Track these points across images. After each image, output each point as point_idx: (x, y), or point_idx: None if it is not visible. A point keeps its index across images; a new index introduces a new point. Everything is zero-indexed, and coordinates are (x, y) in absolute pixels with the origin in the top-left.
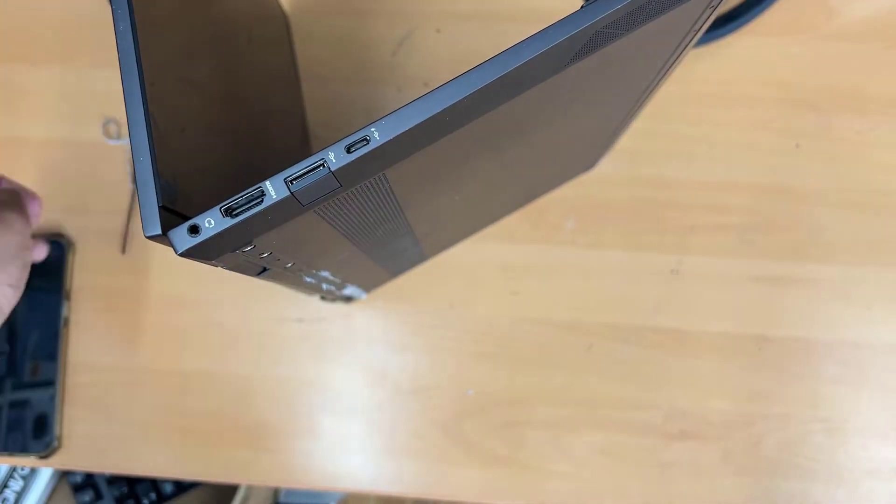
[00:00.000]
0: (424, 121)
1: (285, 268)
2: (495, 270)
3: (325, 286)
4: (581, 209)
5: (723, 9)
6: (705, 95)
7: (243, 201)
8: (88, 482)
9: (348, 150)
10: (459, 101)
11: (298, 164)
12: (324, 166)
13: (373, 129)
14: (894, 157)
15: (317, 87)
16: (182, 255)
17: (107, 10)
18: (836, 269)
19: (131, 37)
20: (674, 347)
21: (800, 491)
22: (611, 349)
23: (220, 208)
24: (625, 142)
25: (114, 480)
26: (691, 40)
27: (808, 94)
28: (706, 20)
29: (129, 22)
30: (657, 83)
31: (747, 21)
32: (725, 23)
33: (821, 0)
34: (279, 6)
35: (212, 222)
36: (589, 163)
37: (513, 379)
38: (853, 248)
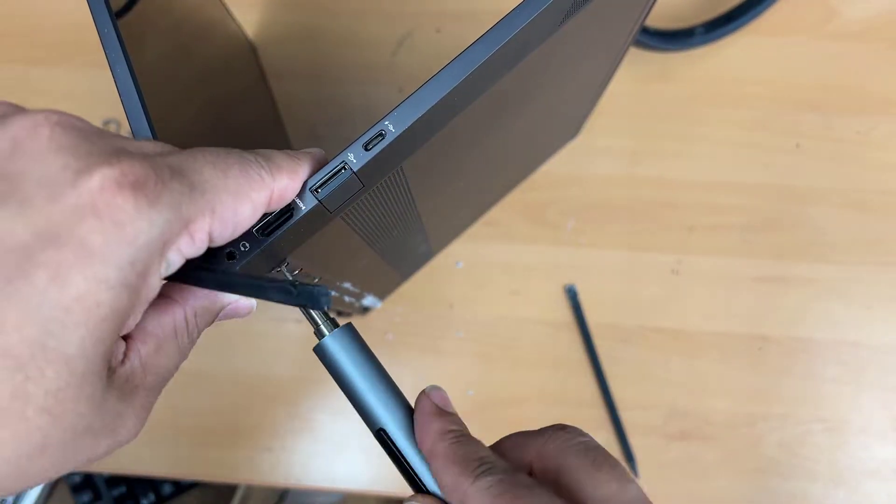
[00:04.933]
0: (435, 104)
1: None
2: (495, 270)
3: (346, 298)
4: (581, 209)
5: (723, 9)
6: (705, 95)
7: (273, 218)
8: (87, 482)
9: (366, 148)
10: (466, 78)
11: (320, 170)
12: (346, 168)
13: (387, 123)
14: (894, 157)
15: (318, 87)
16: None
17: None
18: (836, 269)
19: (131, 80)
20: (674, 347)
21: (800, 491)
22: (611, 349)
23: (254, 229)
24: (625, 142)
25: (113, 481)
26: None
27: (808, 94)
28: None
29: (125, 64)
30: (632, 36)
31: (747, 21)
32: (725, 23)
33: (821, 0)
34: (245, 37)
35: (247, 245)
36: (574, 130)
37: (513, 379)
38: (853, 248)
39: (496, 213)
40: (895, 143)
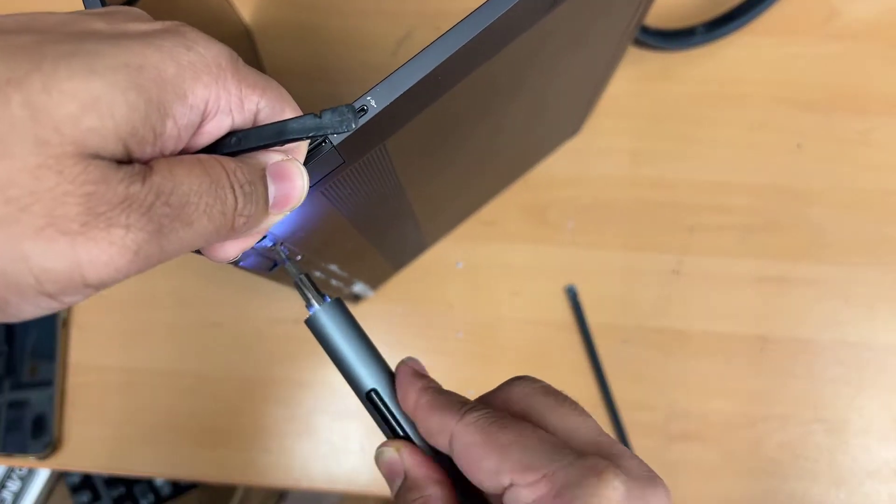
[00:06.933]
0: (419, 81)
1: (296, 261)
2: (495, 270)
3: (334, 282)
4: (581, 209)
5: (723, 9)
6: (705, 95)
7: None
8: (86, 483)
9: None
10: (451, 56)
11: None
12: (326, 142)
13: (369, 98)
14: (894, 157)
15: (317, 86)
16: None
17: None
18: (836, 269)
19: None
20: (674, 347)
21: (801, 491)
22: (611, 349)
23: None
24: (625, 142)
25: (112, 481)
26: None
27: (808, 94)
28: None
29: None
30: (632, 29)
31: (747, 21)
32: (725, 23)
33: (821, 0)
34: (245, 29)
35: None
36: (574, 127)
37: None
38: (853, 248)
39: (496, 213)
40: (895, 143)
